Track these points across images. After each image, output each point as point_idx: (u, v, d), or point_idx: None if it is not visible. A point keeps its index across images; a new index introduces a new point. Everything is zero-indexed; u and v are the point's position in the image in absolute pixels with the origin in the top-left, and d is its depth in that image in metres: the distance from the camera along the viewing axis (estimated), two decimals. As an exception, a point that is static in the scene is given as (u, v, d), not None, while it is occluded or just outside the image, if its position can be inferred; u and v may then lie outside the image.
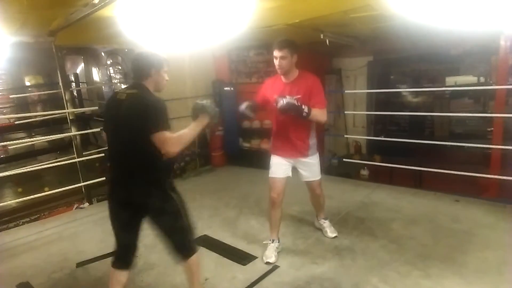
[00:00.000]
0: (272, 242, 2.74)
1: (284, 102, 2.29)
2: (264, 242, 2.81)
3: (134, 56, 1.93)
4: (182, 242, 1.95)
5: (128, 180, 1.85)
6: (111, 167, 1.94)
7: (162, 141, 1.69)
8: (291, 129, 2.60)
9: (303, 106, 2.34)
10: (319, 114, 2.46)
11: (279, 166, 2.69)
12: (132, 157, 1.81)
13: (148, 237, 3.20)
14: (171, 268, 2.65)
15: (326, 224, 3.06)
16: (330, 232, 3.01)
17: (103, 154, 4.83)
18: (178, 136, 1.76)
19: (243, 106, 2.53)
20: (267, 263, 2.63)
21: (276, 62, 2.50)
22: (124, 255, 2.00)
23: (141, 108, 1.74)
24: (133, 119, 1.74)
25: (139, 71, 1.86)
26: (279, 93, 2.44)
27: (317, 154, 2.79)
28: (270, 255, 2.66)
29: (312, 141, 2.73)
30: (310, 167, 2.75)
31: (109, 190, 1.97)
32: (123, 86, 1.94)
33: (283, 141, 2.66)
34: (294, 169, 2.75)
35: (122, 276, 1.99)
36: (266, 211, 3.56)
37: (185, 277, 2.09)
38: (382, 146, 5.68)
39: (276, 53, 2.47)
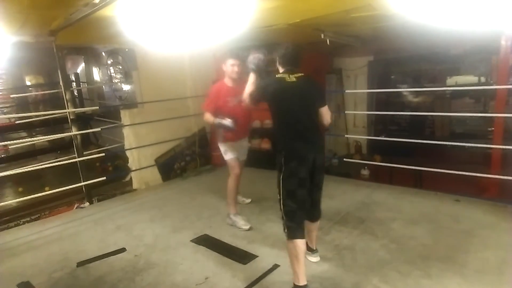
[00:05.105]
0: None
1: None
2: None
3: (290, 48, 2.28)
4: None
5: (314, 146, 2.20)
6: (293, 139, 2.18)
7: (329, 113, 2.29)
8: (247, 116, 3.28)
9: None
10: None
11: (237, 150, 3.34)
12: (314, 127, 2.22)
13: (148, 237, 3.23)
14: (172, 268, 2.65)
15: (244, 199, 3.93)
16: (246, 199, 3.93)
17: (103, 154, 4.84)
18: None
19: (229, 123, 2.95)
20: (250, 228, 3.19)
21: (235, 69, 3.09)
22: (303, 223, 2.21)
23: (317, 86, 2.33)
24: (314, 94, 2.24)
25: (297, 61, 2.29)
26: (233, 96, 3.06)
27: None
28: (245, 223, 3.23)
29: None
30: (246, 147, 3.51)
31: (300, 158, 2.14)
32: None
33: (241, 127, 3.13)
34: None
35: (305, 244, 2.20)
36: (266, 209, 3.60)
37: (314, 235, 2.53)
38: (383, 146, 5.67)
39: (235, 62, 3.08)
